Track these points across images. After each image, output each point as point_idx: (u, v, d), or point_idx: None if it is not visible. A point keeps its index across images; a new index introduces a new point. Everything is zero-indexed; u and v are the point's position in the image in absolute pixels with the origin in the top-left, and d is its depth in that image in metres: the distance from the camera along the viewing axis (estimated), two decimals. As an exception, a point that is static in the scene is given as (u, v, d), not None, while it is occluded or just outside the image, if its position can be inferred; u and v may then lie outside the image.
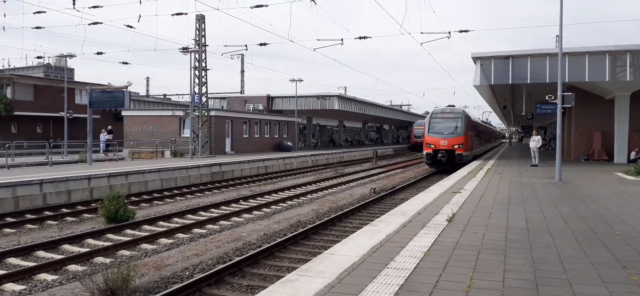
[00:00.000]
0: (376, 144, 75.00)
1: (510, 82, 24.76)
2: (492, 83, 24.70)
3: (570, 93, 17.73)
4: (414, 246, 6.72)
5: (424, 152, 27.42)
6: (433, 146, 26.54)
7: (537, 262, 5.89)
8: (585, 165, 24.77)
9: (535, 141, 24.42)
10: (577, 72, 23.02)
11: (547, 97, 19.42)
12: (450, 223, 8.39)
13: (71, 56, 36.73)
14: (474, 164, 25.32)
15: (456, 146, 26.00)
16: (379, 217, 9.73)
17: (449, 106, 29.65)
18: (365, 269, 5.58)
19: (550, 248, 6.63)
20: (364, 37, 26.38)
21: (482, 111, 76.52)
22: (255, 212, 15.13)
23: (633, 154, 25.33)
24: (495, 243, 6.95)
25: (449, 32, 24.25)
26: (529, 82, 23.85)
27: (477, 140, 33.45)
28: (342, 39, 26.38)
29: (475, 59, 24.12)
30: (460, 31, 24.78)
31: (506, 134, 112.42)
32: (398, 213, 9.65)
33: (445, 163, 26.26)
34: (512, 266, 5.72)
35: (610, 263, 5.88)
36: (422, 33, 35.72)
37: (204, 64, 31.28)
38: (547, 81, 22.80)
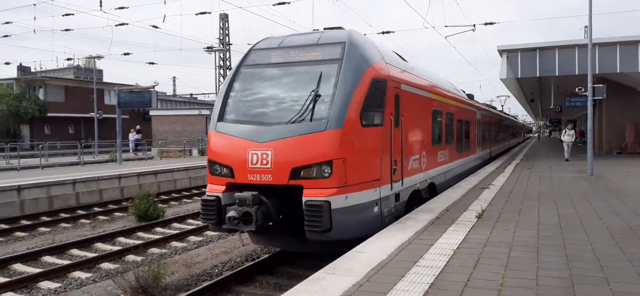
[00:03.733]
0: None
1: (537, 75, 24.16)
2: (519, 76, 24.10)
3: (601, 85, 17.24)
4: (443, 243, 6.63)
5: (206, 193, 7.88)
6: (225, 171, 7.61)
7: (571, 259, 5.74)
8: (618, 159, 24.08)
9: (570, 135, 23.79)
10: (607, 63, 22.33)
11: (577, 90, 18.91)
12: (480, 220, 8.26)
13: (99, 57, 37.61)
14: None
15: (304, 171, 7.01)
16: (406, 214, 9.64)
17: (315, 31, 9.67)
18: (393, 267, 5.54)
19: (585, 245, 6.46)
20: (387, 32, 26.21)
21: (497, 95, 74.18)
22: (281, 209, 15.18)
23: (668, 147, 24.51)
24: (527, 240, 6.81)
25: (474, 25, 23.86)
26: (557, 74, 23.24)
27: (429, 144, 11.14)
28: (364, 34, 26.28)
29: (501, 52, 23.63)
30: (486, 23, 24.34)
31: (534, 128, 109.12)
32: (425, 209, 9.54)
33: (261, 231, 7.26)
34: (546, 264, 5.58)
35: (648, 260, 5.69)
36: (446, 26, 35.25)
37: (228, 63, 31.61)
38: (577, 73, 22.20)
